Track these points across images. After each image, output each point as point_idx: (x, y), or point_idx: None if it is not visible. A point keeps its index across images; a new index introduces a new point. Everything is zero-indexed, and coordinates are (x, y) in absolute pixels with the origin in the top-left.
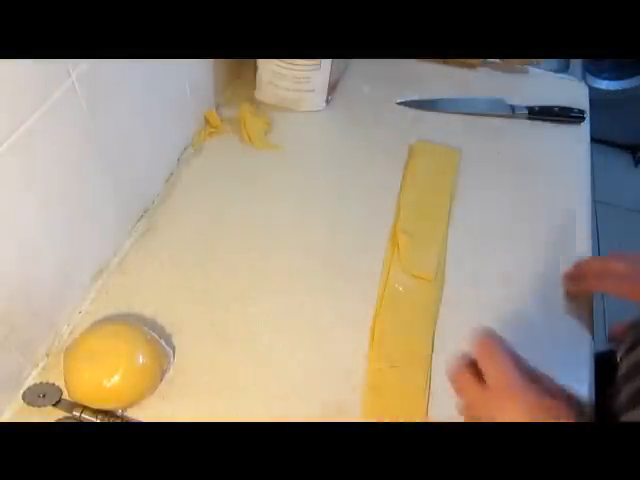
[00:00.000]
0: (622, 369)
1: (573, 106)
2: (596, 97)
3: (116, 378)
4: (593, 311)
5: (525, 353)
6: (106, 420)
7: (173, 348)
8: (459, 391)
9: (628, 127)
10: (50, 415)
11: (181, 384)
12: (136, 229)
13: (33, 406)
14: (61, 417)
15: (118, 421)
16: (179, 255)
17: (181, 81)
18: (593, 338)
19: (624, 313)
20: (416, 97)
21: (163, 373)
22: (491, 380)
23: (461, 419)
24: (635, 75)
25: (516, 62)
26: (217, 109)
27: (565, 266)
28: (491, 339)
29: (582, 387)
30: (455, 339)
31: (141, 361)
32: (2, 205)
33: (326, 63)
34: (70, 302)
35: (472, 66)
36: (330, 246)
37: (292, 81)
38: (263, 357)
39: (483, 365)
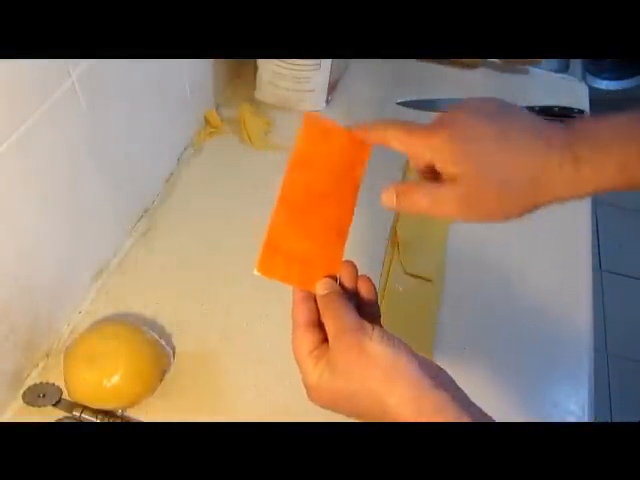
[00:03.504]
0: None
1: (573, 106)
2: (596, 97)
3: (116, 378)
4: (593, 311)
5: (525, 353)
6: (106, 420)
7: (173, 348)
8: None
9: None
10: (50, 415)
11: (181, 384)
12: (136, 229)
13: (33, 406)
14: (61, 417)
15: (118, 421)
16: (179, 255)
17: (181, 81)
18: (593, 338)
19: (624, 313)
20: (416, 97)
21: (163, 373)
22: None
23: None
24: (635, 75)
25: (516, 62)
26: (217, 109)
27: (565, 267)
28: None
29: (582, 386)
30: (455, 339)
31: (141, 361)
32: (2, 205)
33: (326, 63)
34: (70, 302)
35: (472, 66)
36: None
37: (292, 81)
38: (263, 357)
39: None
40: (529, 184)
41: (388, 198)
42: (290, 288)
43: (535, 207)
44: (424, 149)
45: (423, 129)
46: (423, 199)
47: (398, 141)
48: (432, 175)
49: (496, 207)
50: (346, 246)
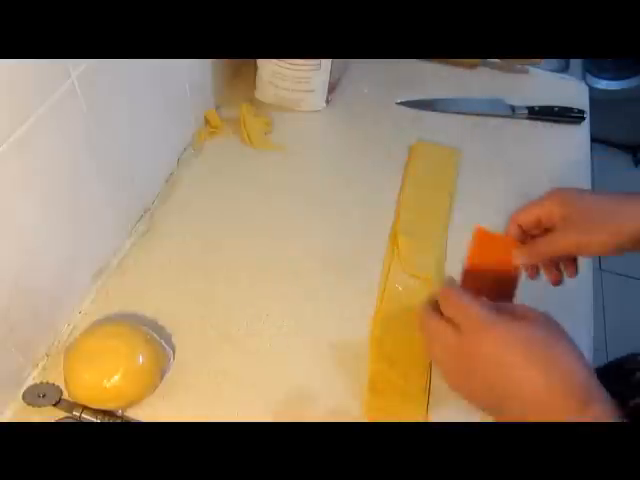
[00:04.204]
0: None
1: (573, 106)
2: (596, 97)
3: (116, 378)
4: (593, 311)
5: None
6: (106, 420)
7: (173, 348)
8: (431, 340)
9: (628, 127)
10: (50, 415)
11: (181, 384)
12: (136, 229)
13: (33, 406)
14: (61, 417)
15: (118, 421)
16: (179, 255)
17: (181, 81)
18: (593, 338)
19: (624, 313)
20: (416, 97)
21: (163, 373)
22: (461, 320)
23: (461, 419)
24: (635, 75)
25: (516, 62)
26: (217, 109)
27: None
28: (453, 288)
29: None
30: None
31: (141, 361)
32: (2, 205)
33: (326, 63)
34: (70, 302)
35: (472, 66)
36: (330, 246)
37: (292, 81)
38: (263, 357)
39: (450, 311)
40: (613, 218)
41: (516, 258)
42: (287, 292)
43: (617, 240)
44: (548, 207)
45: (538, 199)
46: (542, 245)
47: (525, 215)
48: (533, 234)
49: (589, 237)
50: (345, 246)
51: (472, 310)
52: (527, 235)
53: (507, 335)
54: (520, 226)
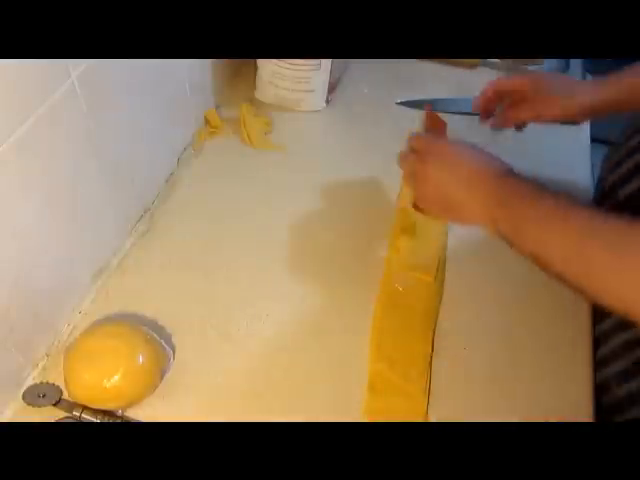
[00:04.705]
0: None
1: None
2: None
3: (116, 378)
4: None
5: (526, 353)
6: (106, 420)
7: (173, 348)
8: (402, 164)
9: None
10: (50, 415)
11: (181, 384)
12: (136, 229)
13: (33, 406)
14: (61, 417)
15: (118, 421)
16: (179, 255)
17: (181, 81)
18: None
19: None
20: (416, 97)
21: (163, 373)
22: (421, 145)
23: (461, 419)
24: None
25: (516, 62)
26: (217, 109)
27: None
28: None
29: (583, 385)
30: (455, 339)
31: (141, 361)
32: (2, 205)
33: (326, 63)
34: (70, 302)
35: (472, 66)
36: (330, 246)
37: (292, 81)
38: (263, 357)
39: (415, 144)
40: (568, 94)
41: (494, 121)
42: (287, 293)
43: (569, 110)
44: (521, 80)
45: (514, 75)
46: (513, 111)
47: (503, 83)
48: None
49: (551, 105)
50: (345, 246)
51: (427, 138)
52: (488, 108)
53: (448, 146)
54: (494, 92)
